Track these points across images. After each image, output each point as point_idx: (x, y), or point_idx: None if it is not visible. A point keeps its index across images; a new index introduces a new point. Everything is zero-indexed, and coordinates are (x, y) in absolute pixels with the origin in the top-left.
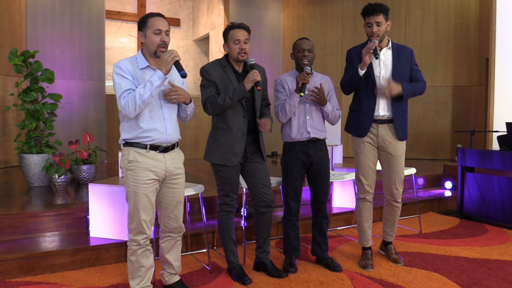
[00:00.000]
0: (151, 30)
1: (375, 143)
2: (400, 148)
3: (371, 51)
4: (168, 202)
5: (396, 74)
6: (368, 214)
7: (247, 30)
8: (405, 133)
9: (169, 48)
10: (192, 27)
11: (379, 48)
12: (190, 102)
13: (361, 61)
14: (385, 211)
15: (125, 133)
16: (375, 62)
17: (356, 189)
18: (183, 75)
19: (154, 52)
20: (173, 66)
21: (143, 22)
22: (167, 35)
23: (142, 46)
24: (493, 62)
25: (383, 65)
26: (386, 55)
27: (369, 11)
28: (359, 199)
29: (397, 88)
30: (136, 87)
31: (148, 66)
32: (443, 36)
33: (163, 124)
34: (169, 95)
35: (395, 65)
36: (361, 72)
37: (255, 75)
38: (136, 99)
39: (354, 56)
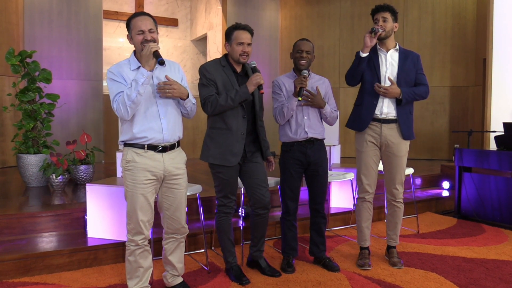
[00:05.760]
0: (134, 31)
1: (378, 142)
2: (402, 148)
3: (370, 32)
4: (169, 203)
5: (402, 75)
6: (367, 214)
7: (251, 32)
8: (411, 132)
9: (167, 47)
10: (190, 27)
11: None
12: (187, 97)
13: (371, 57)
14: (387, 213)
15: (123, 135)
16: (381, 62)
17: (356, 189)
18: (160, 62)
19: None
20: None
21: (127, 25)
22: (152, 32)
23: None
24: (490, 63)
25: (390, 65)
26: (393, 56)
27: (377, 9)
28: (358, 199)
29: (395, 91)
30: None
31: (140, 66)
32: (440, 37)
33: (158, 123)
34: (163, 89)
35: (400, 66)
36: (363, 55)
37: (258, 78)
38: (125, 100)
39: None
